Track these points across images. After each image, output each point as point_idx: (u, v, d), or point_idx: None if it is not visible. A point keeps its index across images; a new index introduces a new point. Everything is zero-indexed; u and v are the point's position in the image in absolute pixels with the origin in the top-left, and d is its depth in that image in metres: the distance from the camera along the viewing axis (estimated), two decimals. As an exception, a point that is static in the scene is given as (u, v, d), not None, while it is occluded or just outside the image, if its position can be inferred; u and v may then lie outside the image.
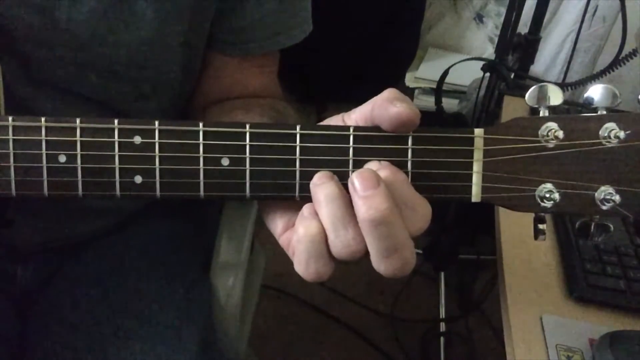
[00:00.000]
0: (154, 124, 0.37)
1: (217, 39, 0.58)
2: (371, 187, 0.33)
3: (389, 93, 0.36)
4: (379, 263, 0.34)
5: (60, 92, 0.52)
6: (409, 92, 1.79)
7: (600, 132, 0.36)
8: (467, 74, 1.44)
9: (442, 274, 1.49)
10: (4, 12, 0.46)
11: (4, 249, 0.59)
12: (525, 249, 0.63)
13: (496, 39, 1.25)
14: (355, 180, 0.34)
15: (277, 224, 0.40)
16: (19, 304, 0.61)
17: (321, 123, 0.39)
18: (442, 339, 1.39)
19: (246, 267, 0.70)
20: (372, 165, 0.36)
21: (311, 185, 0.36)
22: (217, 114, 0.59)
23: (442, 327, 1.41)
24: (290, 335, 1.42)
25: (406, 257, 0.34)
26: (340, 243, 0.35)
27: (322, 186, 0.35)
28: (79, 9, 0.47)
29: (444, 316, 1.44)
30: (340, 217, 0.34)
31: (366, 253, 0.35)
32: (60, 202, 0.44)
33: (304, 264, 0.36)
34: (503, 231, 0.65)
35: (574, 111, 0.89)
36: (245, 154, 0.37)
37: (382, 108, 0.35)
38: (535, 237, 0.39)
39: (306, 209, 0.36)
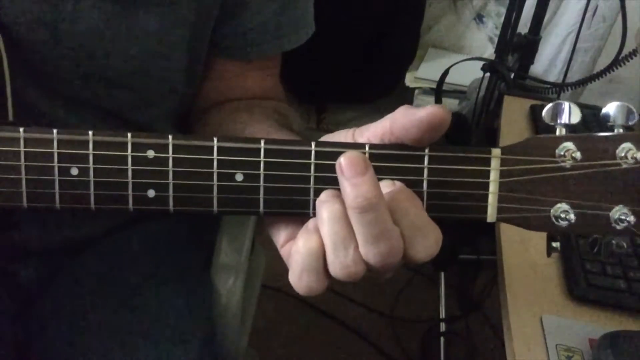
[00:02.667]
0: (168, 139, 0.37)
1: (219, 43, 0.58)
2: (359, 174, 0.33)
3: (406, 106, 0.35)
4: (367, 250, 0.34)
5: (68, 100, 0.52)
6: (409, 92, 1.79)
7: (617, 152, 0.36)
8: (467, 74, 1.44)
9: (442, 274, 1.49)
10: (8, 25, 0.46)
11: (6, 249, 0.59)
12: (525, 249, 0.63)
13: (496, 39, 1.24)
14: (344, 162, 0.33)
15: (280, 235, 0.40)
16: (21, 304, 0.61)
17: (328, 137, 0.39)
18: (442, 339, 1.39)
19: (246, 267, 0.70)
20: (386, 185, 0.36)
21: (317, 202, 0.36)
22: (218, 116, 0.59)
23: (442, 327, 1.41)
24: (290, 335, 1.43)
25: (392, 244, 0.34)
26: (340, 264, 0.34)
27: (327, 204, 0.35)
28: (81, 22, 0.47)
29: (444, 316, 1.44)
30: (342, 237, 0.34)
31: (362, 276, 0.35)
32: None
33: (297, 276, 0.36)
34: (503, 231, 0.65)
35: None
36: (259, 170, 0.37)
37: (407, 116, 0.35)
38: (548, 255, 0.39)
39: (312, 222, 0.36)
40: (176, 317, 0.59)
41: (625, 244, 0.37)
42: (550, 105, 0.37)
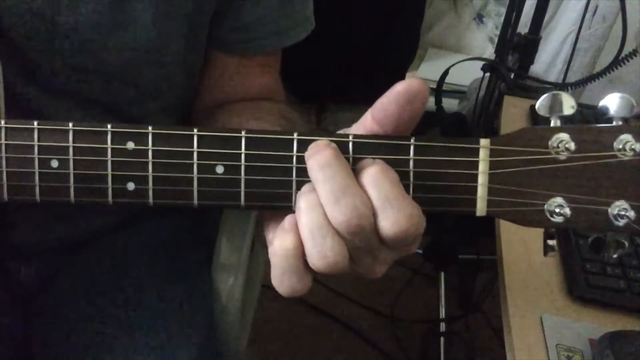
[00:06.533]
0: (147, 129, 0.36)
1: (218, 38, 0.58)
2: (321, 149, 0.34)
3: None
4: (331, 210, 0.33)
5: (65, 95, 0.52)
6: (409, 92, 1.78)
7: (614, 144, 0.34)
8: (467, 74, 1.44)
9: (442, 274, 1.49)
10: (4, 18, 0.46)
11: (6, 248, 0.59)
12: (525, 249, 0.63)
13: (496, 39, 1.24)
14: (309, 147, 0.35)
15: (269, 234, 0.39)
16: (22, 302, 0.61)
17: None
18: (442, 339, 1.39)
19: (246, 267, 0.70)
20: (366, 161, 0.35)
21: (298, 194, 0.35)
22: (225, 117, 0.58)
23: (442, 327, 1.41)
24: (290, 335, 1.43)
25: (355, 203, 0.33)
26: (317, 253, 0.34)
27: (305, 194, 0.35)
28: (78, 15, 0.47)
29: (444, 316, 1.44)
30: (319, 225, 0.33)
31: (343, 267, 0.34)
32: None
33: (278, 279, 0.35)
34: (503, 231, 0.65)
35: (577, 113, 0.89)
36: (240, 161, 0.36)
37: (385, 95, 0.34)
38: (545, 254, 0.37)
39: (287, 220, 0.35)
40: (176, 316, 0.59)
41: (626, 243, 0.36)
42: (544, 96, 0.36)
